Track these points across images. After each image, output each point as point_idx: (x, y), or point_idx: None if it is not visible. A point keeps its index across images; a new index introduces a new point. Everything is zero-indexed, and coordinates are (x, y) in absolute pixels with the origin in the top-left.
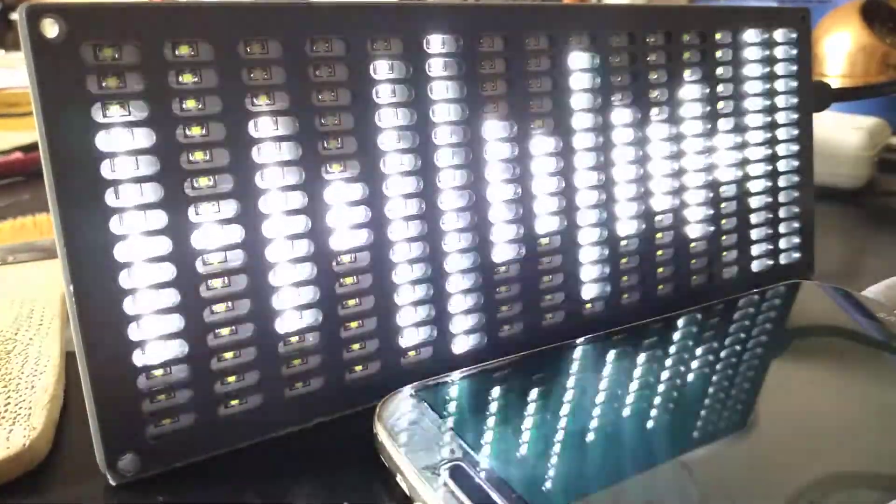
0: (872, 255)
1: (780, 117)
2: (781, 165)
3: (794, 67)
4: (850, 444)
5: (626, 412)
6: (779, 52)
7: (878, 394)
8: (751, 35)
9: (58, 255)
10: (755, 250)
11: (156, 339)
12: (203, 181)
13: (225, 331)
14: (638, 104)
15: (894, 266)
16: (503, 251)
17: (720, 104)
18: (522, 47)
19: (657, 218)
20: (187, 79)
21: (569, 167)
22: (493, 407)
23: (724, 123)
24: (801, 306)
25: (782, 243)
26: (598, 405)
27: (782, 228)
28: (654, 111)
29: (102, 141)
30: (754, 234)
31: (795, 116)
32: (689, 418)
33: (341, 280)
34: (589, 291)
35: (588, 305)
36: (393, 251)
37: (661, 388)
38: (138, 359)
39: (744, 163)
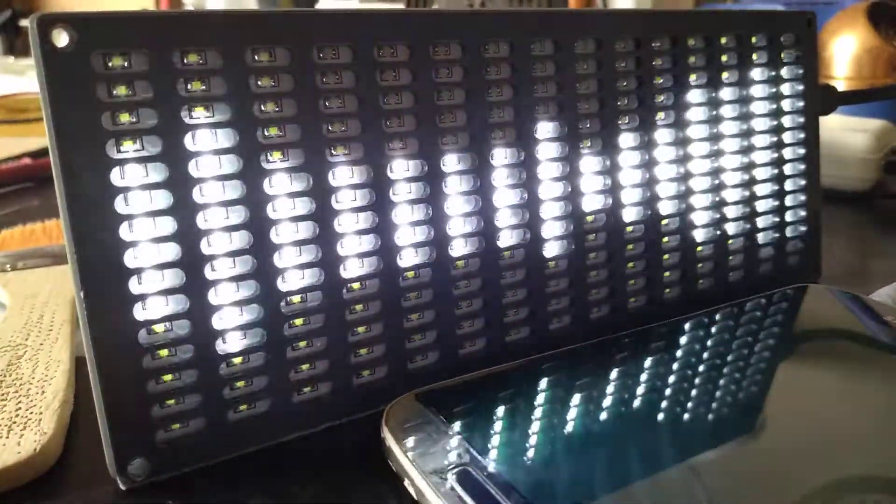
0: (880, 257)
1: (787, 121)
2: (788, 169)
3: (800, 71)
4: (859, 447)
5: (634, 416)
6: (785, 55)
7: (886, 397)
8: (757, 39)
9: (67, 261)
10: (762, 254)
11: (165, 345)
12: (212, 188)
13: (233, 336)
14: (644, 108)
15: None
16: (509, 256)
17: (726, 108)
18: (528, 53)
19: (663, 222)
20: (196, 86)
21: (575, 171)
22: (500, 411)
23: (731, 127)
24: (809, 310)
25: (789, 246)
26: (606, 409)
27: (789, 232)
28: (659, 115)
29: (112, 148)
30: (761, 237)
31: (802, 120)
32: (697, 423)
33: (349, 285)
34: (595, 296)
35: (594, 310)
36: (399, 256)
37: (668, 392)
38: (148, 364)
39: (750, 166)
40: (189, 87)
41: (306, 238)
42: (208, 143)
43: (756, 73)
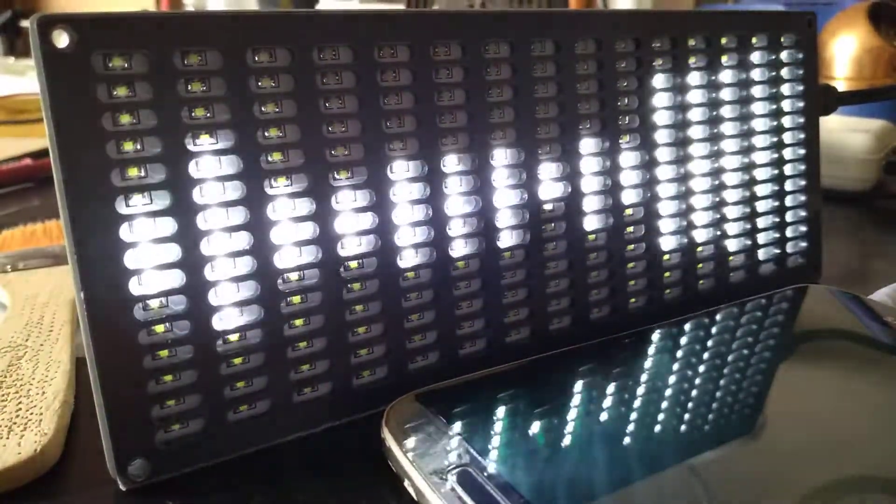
0: (880, 258)
1: (787, 121)
2: (788, 169)
3: (801, 71)
4: (859, 448)
5: (634, 417)
6: (785, 56)
7: (886, 397)
8: (757, 39)
9: (68, 262)
10: (762, 254)
11: (165, 345)
12: (212, 189)
13: (233, 336)
14: (644, 109)
15: None
16: (509, 256)
17: (726, 108)
18: (528, 53)
19: (664, 222)
20: (196, 87)
21: (574, 172)
22: (501, 412)
23: (731, 128)
24: (809, 310)
25: (789, 247)
26: (606, 410)
27: (789, 232)
28: (660, 116)
29: (112, 148)
30: (761, 237)
31: (802, 120)
32: (697, 423)
33: (349, 285)
34: (595, 296)
35: (595, 311)
36: (400, 256)
37: (668, 392)
38: (148, 364)
39: (750, 167)
40: (189, 87)
41: (307, 239)
42: (208, 144)
43: (756, 74)
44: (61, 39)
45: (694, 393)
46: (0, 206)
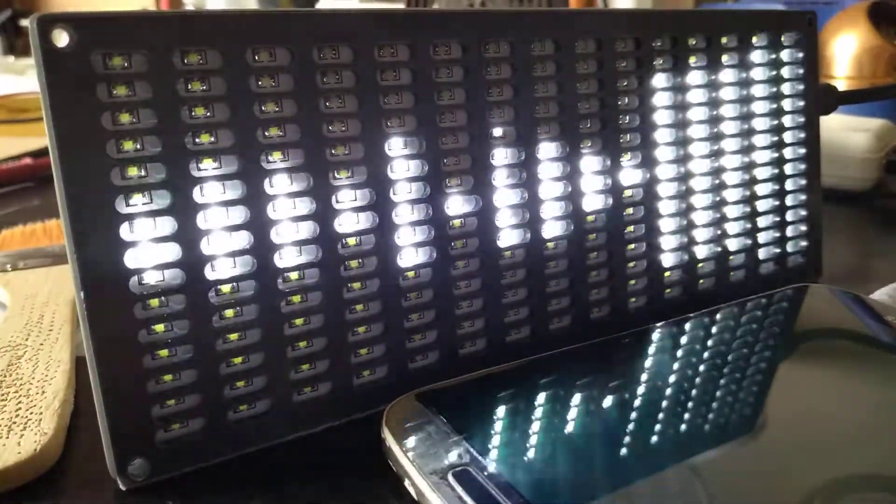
0: (880, 257)
1: (787, 120)
2: (788, 168)
3: (801, 70)
4: (859, 447)
5: (634, 417)
6: (785, 55)
7: (886, 397)
8: (757, 39)
9: (68, 261)
10: (762, 253)
11: (165, 345)
12: (212, 188)
13: (233, 336)
14: (644, 108)
15: None
16: (510, 256)
17: (726, 108)
18: (528, 53)
19: (664, 221)
20: (196, 86)
21: (575, 171)
22: (501, 412)
23: (731, 127)
24: (810, 309)
25: (790, 246)
26: (606, 410)
27: (790, 231)
28: (660, 115)
29: (112, 148)
30: (762, 237)
31: (802, 119)
32: (697, 423)
33: (349, 285)
34: (595, 296)
35: (595, 310)
36: (400, 255)
37: (668, 392)
38: (148, 364)
39: (751, 166)
40: (189, 87)
41: (306, 238)
42: (208, 143)
43: (756, 73)
44: (61, 38)
45: (694, 392)
46: (0, 205)
